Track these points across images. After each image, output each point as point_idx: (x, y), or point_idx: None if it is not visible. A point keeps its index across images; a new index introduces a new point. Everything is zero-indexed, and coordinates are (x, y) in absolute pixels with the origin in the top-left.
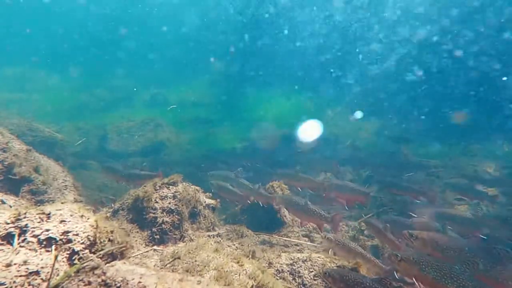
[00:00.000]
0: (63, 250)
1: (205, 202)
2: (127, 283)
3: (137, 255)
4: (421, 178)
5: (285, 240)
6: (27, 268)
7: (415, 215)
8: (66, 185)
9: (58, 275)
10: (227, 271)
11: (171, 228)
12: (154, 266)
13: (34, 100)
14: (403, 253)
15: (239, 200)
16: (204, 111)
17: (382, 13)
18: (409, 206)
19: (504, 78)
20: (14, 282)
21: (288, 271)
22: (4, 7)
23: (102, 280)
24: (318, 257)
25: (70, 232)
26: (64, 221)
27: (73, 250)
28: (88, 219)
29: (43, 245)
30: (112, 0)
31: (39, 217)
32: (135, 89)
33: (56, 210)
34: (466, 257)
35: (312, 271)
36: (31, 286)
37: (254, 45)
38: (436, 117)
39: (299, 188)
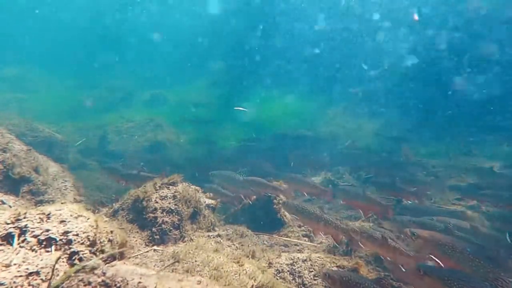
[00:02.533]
0: (64, 251)
1: (205, 202)
2: (127, 284)
3: (137, 255)
4: (419, 178)
5: (285, 240)
6: (27, 269)
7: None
8: (66, 185)
9: (58, 275)
10: (227, 271)
11: (171, 228)
12: (154, 266)
13: (34, 100)
14: (426, 267)
15: (231, 201)
16: (204, 111)
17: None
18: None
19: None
20: (14, 282)
21: (288, 271)
22: (4, 6)
23: (102, 281)
24: (318, 257)
25: (70, 232)
26: (64, 221)
27: (73, 250)
28: (88, 219)
29: (43, 246)
30: (113, 0)
31: (39, 217)
32: None
33: (56, 210)
34: (468, 259)
35: (312, 271)
36: (31, 287)
37: (254, 45)
38: (437, 117)
39: (305, 193)
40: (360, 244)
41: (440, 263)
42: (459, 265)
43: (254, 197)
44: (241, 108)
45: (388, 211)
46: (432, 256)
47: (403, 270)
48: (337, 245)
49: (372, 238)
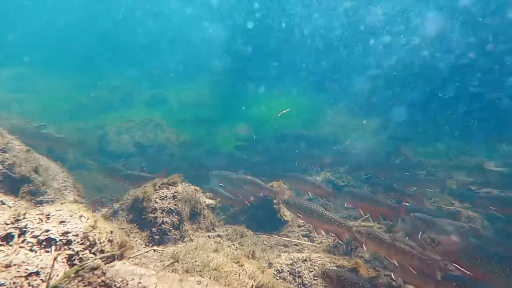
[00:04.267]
0: (63, 250)
1: (204, 202)
2: (127, 284)
3: (137, 255)
4: (419, 179)
5: (285, 240)
6: (27, 269)
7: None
8: (65, 186)
9: (57, 276)
10: (227, 271)
11: (171, 228)
12: (154, 266)
13: (34, 100)
14: (458, 278)
15: (234, 203)
16: (204, 111)
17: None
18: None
19: None
20: (14, 282)
21: (288, 271)
22: (4, 6)
23: (102, 281)
24: (318, 257)
25: (69, 232)
26: (63, 221)
27: (73, 250)
28: (87, 219)
29: (42, 246)
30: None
31: (39, 218)
32: None
33: (56, 210)
34: (497, 269)
35: (312, 271)
36: (30, 287)
37: (254, 45)
38: (437, 117)
39: (310, 194)
40: (365, 246)
41: (466, 272)
42: (487, 276)
43: (252, 198)
44: (284, 111)
45: (399, 213)
46: (456, 265)
47: (415, 273)
48: (341, 242)
49: (379, 239)
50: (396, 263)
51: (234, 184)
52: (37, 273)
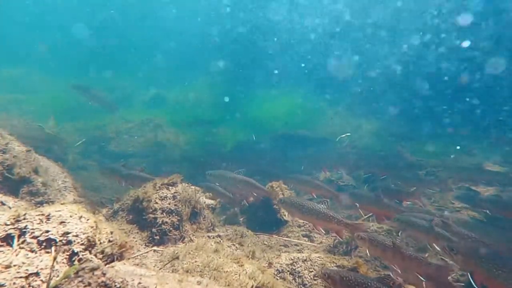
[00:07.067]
0: (63, 251)
1: (204, 202)
2: (127, 284)
3: (137, 256)
4: (418, 179)
5: (285, 240)
6: (27, 270)
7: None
8: (65, 186)
9: (58, 276)
10: (227, 271)
11: (171, 228)
12: (154, 266)
13: (33, 101)
14: None
15: (230, 202)
16: (204, 111)
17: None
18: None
19: None
20: (14, 283)
21: (288, 271)
22: (4, 6)
23: (102, 281)
24: (318, 257)
25: (69, 233)
26: (63, 222)
27: (73, 251)
28: (87, 220)
29: (42, 246)
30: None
31: (39, 218)
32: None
33: (56, 211)
34: None
35: (312, 271)
36: (31, 287)
37: (254, 45)
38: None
39: (314, 195)
40: (368, 251)
41: (487, 283)
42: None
43: (252, 198)
44: (345, 135)
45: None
46: (475, 275)
47: (423, 280)
48: (340, 239)
49: (383, 245)
50: (398, 269)
51: (230, 184)
52: (37, 274)
